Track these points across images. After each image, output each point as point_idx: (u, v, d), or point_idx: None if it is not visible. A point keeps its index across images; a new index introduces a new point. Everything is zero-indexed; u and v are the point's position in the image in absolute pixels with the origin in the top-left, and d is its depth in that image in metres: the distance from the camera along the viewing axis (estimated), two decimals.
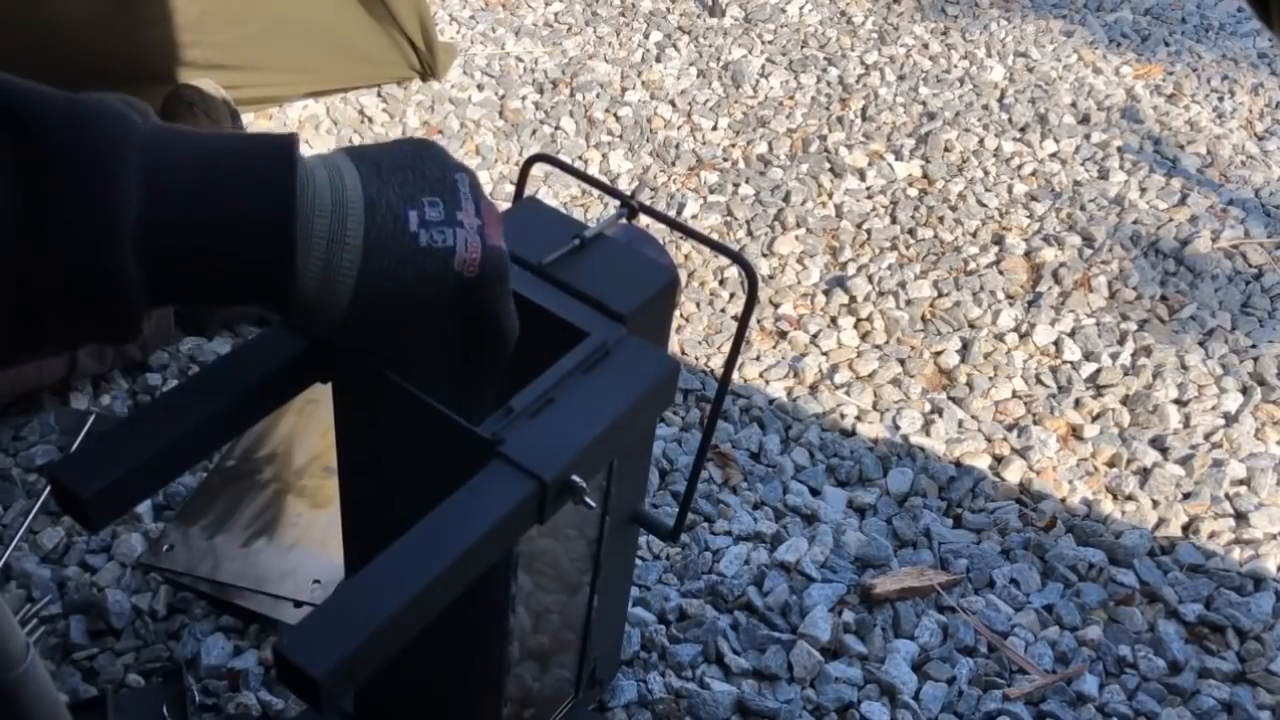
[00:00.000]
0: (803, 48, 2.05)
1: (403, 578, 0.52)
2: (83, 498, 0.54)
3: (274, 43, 1.67)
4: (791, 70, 1.98)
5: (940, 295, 1.55)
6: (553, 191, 1.68)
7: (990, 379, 1.43)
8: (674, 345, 1.45)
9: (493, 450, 0.59)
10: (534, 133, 1.80)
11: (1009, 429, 1.37)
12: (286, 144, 0.51)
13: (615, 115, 1.85)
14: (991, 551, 1.23)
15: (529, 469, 0.59)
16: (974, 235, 1.66)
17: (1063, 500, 1.30)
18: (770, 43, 2.06)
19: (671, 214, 1.64)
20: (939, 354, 1.46)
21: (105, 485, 0.55)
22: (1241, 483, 1.33)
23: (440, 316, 0.56)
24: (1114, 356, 1.47)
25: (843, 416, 1.38)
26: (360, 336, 0.56)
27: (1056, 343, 1.49)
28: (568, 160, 1.70)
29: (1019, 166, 1.79)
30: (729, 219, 1.66)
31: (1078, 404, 1.41)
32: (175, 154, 0.49)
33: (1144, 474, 1.33)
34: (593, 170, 1.74)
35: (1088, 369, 1.46)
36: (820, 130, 1.84)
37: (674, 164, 1.76)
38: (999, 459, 1.34)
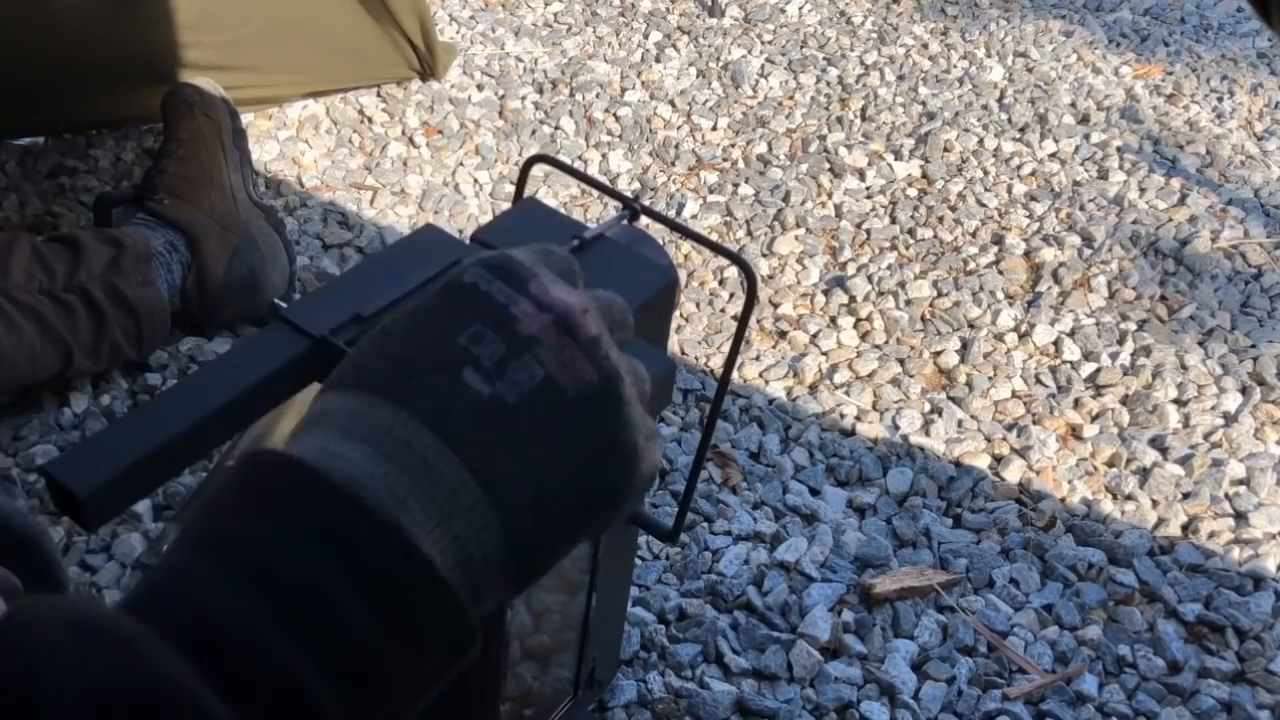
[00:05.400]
0: (802, 48, 2.05)
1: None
2: (79, 496, 0.54)
3: (274, 43, 1.67)
4: (791, 70, 1.98)
5: (940, 295, 1.55)
6: (552, 192, 1.68)
7: (990, 379, 1.43)
8: (673, 345, 1.45)
9: None
10: (534, 133, 1.80)
11: (1009, 429, 1.37)
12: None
13: (615, 115, 1.85)
14: (991, 551, 1.23)
15: None
16: (973, 235, 1.66)
17: (1062, 500, 1.30)
18: (770, 43, 2.06)
19: (671, 214, 1.64)
20: (939, 354, 1.46)
21: (102, 483, 0.54)
22: (1241, 482, 1.33)
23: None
24: (1113, 356, 1.47)
25: (842, 416, 1.38)
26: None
27: (1056, 343, 1.49)
28: (567, 160, 1.70)
29: (1018, 166, 1.79)
30: (728, 219, 1.66)
31: (1077, 404, 1.41)
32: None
33: (1143, 474, 1.33)
34: (592, 170, 1.74)
35: (1087, 369, 1.46)
36: (820, 130, 1.84)
37: (673, 164, 1.76)
38: (999, 459, 1.34)
